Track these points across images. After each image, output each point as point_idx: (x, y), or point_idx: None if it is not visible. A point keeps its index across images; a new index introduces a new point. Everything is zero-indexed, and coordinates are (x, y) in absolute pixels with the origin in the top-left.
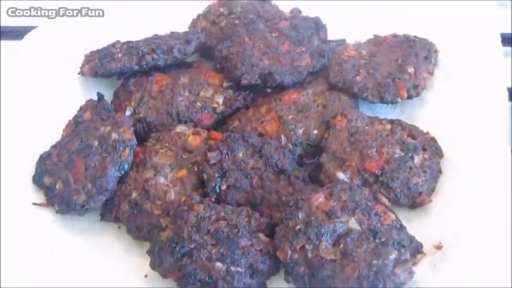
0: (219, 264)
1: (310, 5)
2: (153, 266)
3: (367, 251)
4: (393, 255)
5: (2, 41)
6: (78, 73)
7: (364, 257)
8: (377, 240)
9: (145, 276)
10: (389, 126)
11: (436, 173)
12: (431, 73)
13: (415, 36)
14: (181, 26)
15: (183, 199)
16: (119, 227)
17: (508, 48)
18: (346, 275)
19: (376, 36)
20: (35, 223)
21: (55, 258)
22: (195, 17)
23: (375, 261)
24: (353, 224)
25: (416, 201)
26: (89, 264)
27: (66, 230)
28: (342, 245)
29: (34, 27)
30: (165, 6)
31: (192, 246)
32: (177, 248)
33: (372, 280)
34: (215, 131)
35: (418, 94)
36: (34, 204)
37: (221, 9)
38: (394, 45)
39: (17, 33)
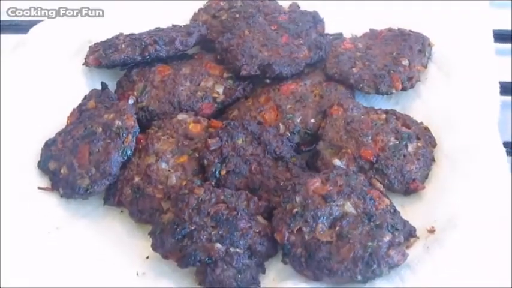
0: (218, 245)
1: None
2: (154, 247)
3: (362, 233)
4: (387, 238)
5: (7, 35)
6: (83, 64)
7: (359, 239)
8: (372, 223)
9: (147, 257)
10: (384, 115)
11: (429, 161)
12: (425, 66)
13: (409, 30)
14: (183, 20)
15: (184, 183)
16: (121, 211)
17: (504, 45)
18: (342, 257)
19: (372, 30)
20: (40, 207)
21: (59, 240)
22: (196, 11)
23: (369, 243)
24: (349, 207)
25: (410, 188)
26: (92, 247)
27: (70, 213)
28: (337, 228)
29: (38, 21)
30: (168, 1)
31: (193, 228)
32: (178, 230)
33: (366, 261)
34: (215, 120)
35: (412, 86)
36: (39, 188)
37: (222, 4)
38: (389, 39)
39: (22, 27)
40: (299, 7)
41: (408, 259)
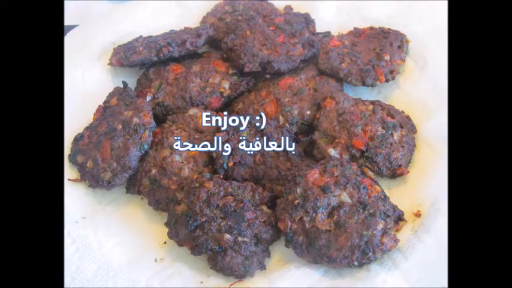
0: (227, 235)
1: (299, 4)
2: (170, 236)
3: (358, 222)
4: (380, 226)
5: None
6: (108, 64)
7: (356, 228)
8: (366, 212)
9: (165, 243)
10: (371, 106)
11: (412, 147)
12: (403, 60)
13: (388, 29)
14: (194, 23)
15: (195, 176)
16: (142, 198)
17: None
18: (340, 245)
19: (355, 29)
20: (71, 195)
21: (87, 224)
22: (205, 14)
23: (365, 232)
24: (345, 197)
25: (396, 173)
26: (116, 231)
27: (97, 200)
28: (335, 217)
29: (74, 26)
30: (179, 6)
31: (204, 220)
32: (190, 222)
33: (363, 249)
34: (222, 113)
35: (393, 78)
36: (69, 180)
37: (226, 8)
38: (372, 36)
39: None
40: (292, 9)
41: (399, 244)
